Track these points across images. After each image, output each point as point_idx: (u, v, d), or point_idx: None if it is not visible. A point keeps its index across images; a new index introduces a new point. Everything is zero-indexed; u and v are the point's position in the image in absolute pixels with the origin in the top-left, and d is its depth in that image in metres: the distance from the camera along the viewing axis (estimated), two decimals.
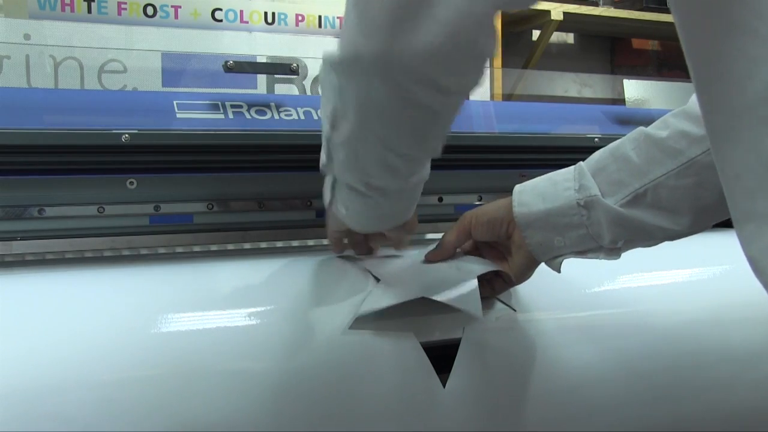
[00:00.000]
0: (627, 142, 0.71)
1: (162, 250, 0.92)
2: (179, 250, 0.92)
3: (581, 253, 0.73)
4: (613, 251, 0.72)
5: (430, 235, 1.00)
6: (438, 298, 0.70)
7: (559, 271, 0.75)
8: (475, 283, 0.72)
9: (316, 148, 0.86)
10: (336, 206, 0.70)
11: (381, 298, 0.70)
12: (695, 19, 0.52)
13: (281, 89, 1.43)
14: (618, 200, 0.69)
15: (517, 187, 0.75)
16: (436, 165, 0.95)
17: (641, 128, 0.72)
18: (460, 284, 0.72)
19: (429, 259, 0.77)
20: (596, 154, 0.73)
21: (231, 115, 0.84)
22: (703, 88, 0.53)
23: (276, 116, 0.87)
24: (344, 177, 0.66)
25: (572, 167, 0.73)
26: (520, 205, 0.73)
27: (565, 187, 0.72)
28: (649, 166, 0.69)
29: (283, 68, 0.98)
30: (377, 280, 0.74)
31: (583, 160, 0.73)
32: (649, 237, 0.71)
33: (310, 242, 0.97)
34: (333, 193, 0.70)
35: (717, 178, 0.55)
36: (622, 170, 0.70)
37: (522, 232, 0.73)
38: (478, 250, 0.78)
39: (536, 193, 0.73)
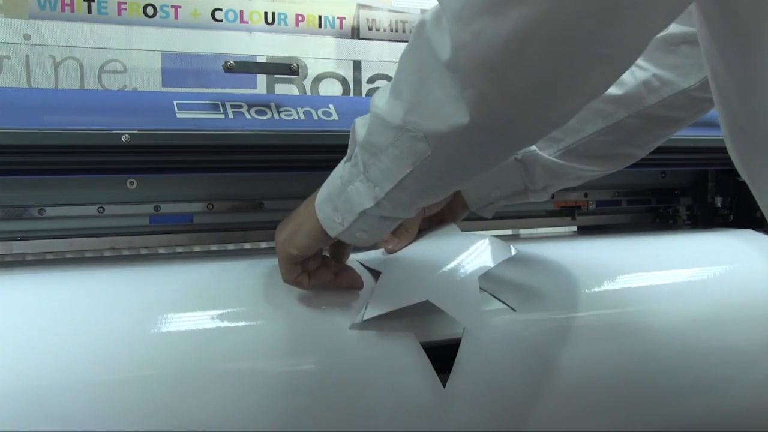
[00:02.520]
0: None
1: (162, 250, 0.92)
2: (179, 250, 0.92)
3: (511, 198, 0.81)
4: (539, 193, 0.81)
5: None
6: (440, 305, 0.70)
7: (490, 217, 0.83)
8: (476, 291, 0.72)
9: (316, 148, 0.87)
10: (351, 235, 0.65)
11: (383, 304, 0.70)
12: (729, 43, 0.52)
13: (281, 89, 1.42)
14: (551, 153, 0.78)
15: None
16: None
17: None
18: (461, 291, 0.72)
19: (391, 250, 0.78)
20: None
21: (231, 115, 0.84)
22: (730, 109, 0.55)
23: (276, 116, 0.87)
24: (395, 211, 0.62)
25: None
26: None
27: None
28: (582, 125, 0.77)
29: (283, 68, 0.98)
30: (375, 274, 0.74)
31: None
32: (576, 179, 0.81)
33: None
34: (350, 225, 0.64)
35: (641, 132, 0.73)
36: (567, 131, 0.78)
37: (464, 191, 0.80)
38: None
39: None
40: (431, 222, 0.82)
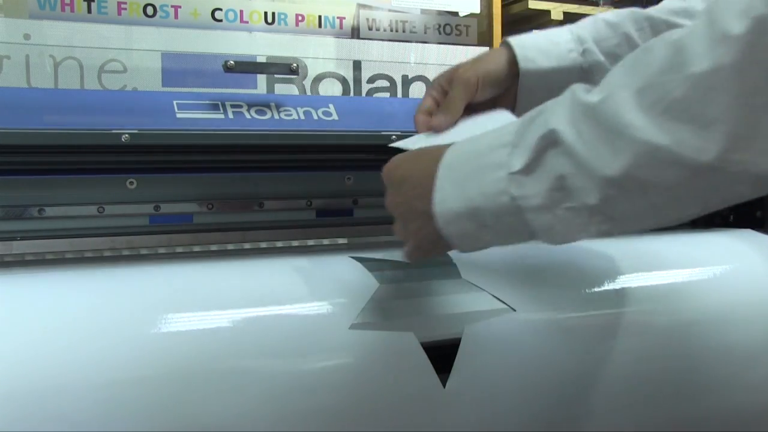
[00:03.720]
0: (628, 23, 0.75)
1: (162, 250, 0.92)
2: (179, 250, 0.92)
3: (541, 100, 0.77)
4: None
5: None
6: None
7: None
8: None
9: (316, 148, 0.87)
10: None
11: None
12: None
13: (281, 89, 1.43)
14: None
15: (514, 41, 0.74)
16: None
17: (641, 11, 0.75)
18: None
19: (435, 126, 0.73)
20: (588, 24, 0.76)
21: (231, 115, 0.84)
22: None
23: (276, 116, 0.87)
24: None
25: (564, 29, 0.76)
26: (526, 60, 0.73)
27: (568, 49, 0.74)
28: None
29: (283, 68, 0.98)
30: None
31: None
32: None
33: (310, 242, 0.97)
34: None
35: None
36: (623, 46, 0.74)
37: (522, 88, 0.73)
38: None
39: (539, 49, 0.74)
40: (481, 107, 0.77)
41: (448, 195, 0.55)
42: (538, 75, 0.74)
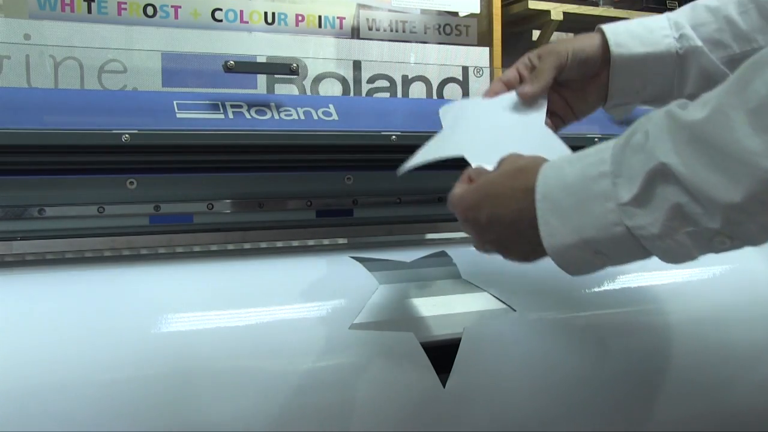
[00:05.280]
0: (731, 5, 0.72)
1: (162, 250, 0.92)
2: (179, 250, 0.92)
3: (650, 101, 0.75)
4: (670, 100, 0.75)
5: (429, 235, 1.00)
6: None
7: (620, 119, 0.77)
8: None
9: (316, 148, 0.87)
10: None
11: (425, 153, 0.67)
12: None
13: (281, 89, 1.43)
14: (716, 58, 0.72)
15: (607, 28, 0.73)
16: (435, 165, 0.95)
17: None
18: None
19: (523, 94, 0.73)
20: (687, 9, 0.74)
21: (231, 115, 0.84)
22: None
23: (276, 116, 0.87)
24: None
25: (662, 16, 0.74)
26: (618, 45, 0.72)
27: (664, 35, 0.72)
28: (755, 34, 0.71)
29: (283, 68, 0.98)
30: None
31: None
32: None
33: (310, 242, 0.97)
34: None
35: None
36: (724, 31, 0.72)
37: (613, 74, 0.72)
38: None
39: (632, 35, 0.72)
40: (571, 86, 0.77)
41: (556, 229, 0.55)
42: (632, 60, 0.72)
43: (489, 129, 0.72)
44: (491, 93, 0.76)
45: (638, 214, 0.51)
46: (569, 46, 0.74)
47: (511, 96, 0.75)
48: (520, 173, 0.59)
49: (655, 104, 0.75)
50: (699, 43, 0.72)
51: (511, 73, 0.76)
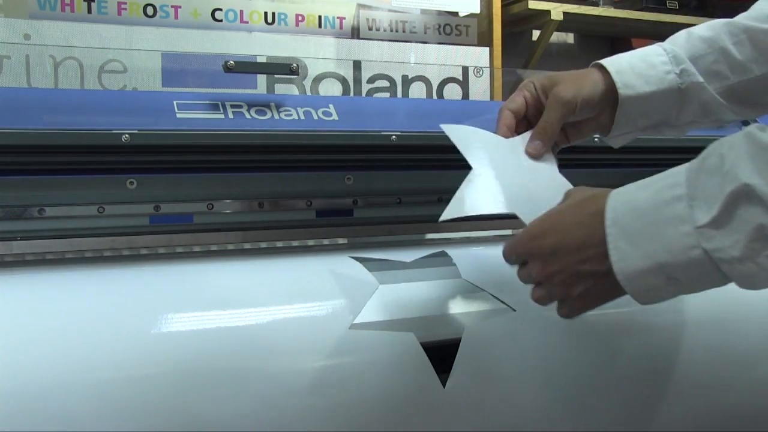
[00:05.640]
0: (724, 36, 0.73)
1: (162, 250, 0.92)
2: (179, 250, 0.92)
3: (647, 129, 0.76)
4: (676, 129, 0.76)
5: (429, 235, 1.00)
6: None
7: (617, 147, 0.77)
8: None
9: (316, 148, 0.87)
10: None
11: (462, 206, 0.66)
12: None
13: (281, 89, 1.43)
14: (714, 89, 0.73)
15: (610, 66, 0.73)
16: (436, 165, 0.95)
17: (737, 21, 0.73)
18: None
19: (532, 152, 0.72)
20: (682, 40, 0.75)
21: (231, 115, 0.84)
22: None
23: (276, 116, 0.87)
24: None
25: (657, 47, 0.74)
26: (625, 86, 0.72)
27: (666, 71, 0.73)
28: (751, 65, 0.72)
29: (283, 68, 0.98)
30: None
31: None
32: (716, 121, 0.75)
33: (310, 242, 0.97)
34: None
35: None
36: (720, 62, 0.73)
37: (620, 113, 0.73)
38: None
39: (636, 73, 0.73)
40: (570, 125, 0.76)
41: (628, 254, 0.55)
42: (638, 100, 0.73)
43: (518, 178, 0.72)
44: (503, 126, 0.74)
45: (717, 237, 0.51)
46: (578, 95, 0.72)
47: (525, 138, 0.74)
48: (588, 201, 0.59)
49: (652, 132, 0.77)
50: (700, 78, 0.73)
51: (518, 101, 0.75)
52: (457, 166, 0.98)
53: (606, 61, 0.74)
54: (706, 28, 0.75)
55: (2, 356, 0.60)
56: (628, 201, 0.56)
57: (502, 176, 0.70)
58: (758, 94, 0.74)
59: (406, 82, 1.83)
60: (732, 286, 0.82)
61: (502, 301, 0.76)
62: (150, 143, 0.79)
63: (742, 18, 0.74)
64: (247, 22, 2.04)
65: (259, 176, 0.87)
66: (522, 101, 0.75)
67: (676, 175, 0.55)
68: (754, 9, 0.75)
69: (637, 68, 0.74)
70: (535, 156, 0.72)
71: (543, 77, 0.74)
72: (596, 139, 0.98)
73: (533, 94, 0.75)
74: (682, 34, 0.76)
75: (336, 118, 0.89)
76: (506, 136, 0.73)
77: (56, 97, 0.86)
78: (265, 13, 2.06)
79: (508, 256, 0.64)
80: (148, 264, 0.82)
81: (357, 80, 1.70)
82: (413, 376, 0.69)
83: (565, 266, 0.59)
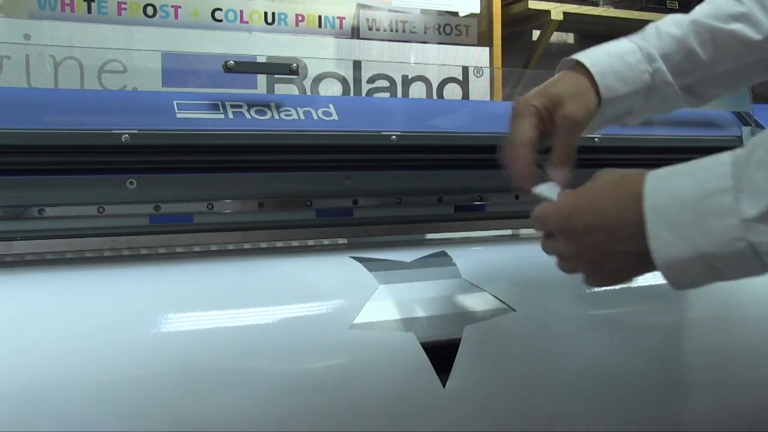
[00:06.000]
0: (692, 35, 0.76)
1: (162, 250, 0.92)
2: (179, 250, 0.92)
3: (615, 120, 0.78)
4: (636, 118, 0.78)
5: (430, 235, 1.00)
6: None
7: (592, 133, 0.82)
8: None
9: (316, 148, 0.87)
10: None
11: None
12: None
13: (281, 89, 1.43)
14: (678, 83, 0.76)
15: (592, 67, 0.72)
16: (436, 165, 0.95)
17: (702, 21, 0.76)
18: None
19: (563, 181, 0.67)
20: (653, 37, 0.76)
21: (231, 115, 0.84)
22: None
23: (276, 116, 0.87)
24: None
25: (630, 43, 0.75)
26: (607, 89, 0.72)
27: (641, 70, 0.74)
28: (712, 63, 0.75)
29: (283, 68, 0.98)
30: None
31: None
32: (670, 109, 0.80)
33: (310, 242, 0.97)
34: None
35: (756, 77, 0.66)
36: (686, 61, 0.75)
37: (599, 112, 0.73)
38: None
39: (616, 75, 0.73)
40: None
41: (669, 242, 0.55)
42: (616, 101, 0.73)
43: None
44: (522, 166, 0.68)
45: (763, 230, 0.51)
46: (587, 112, 0.71)
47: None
48: (624, 180, 0.59)
49: (614, 123, 0.79)
50: (670, 78, 0.75)
51: (529, 133, 0.68)
52: (457, 166, 0.98)
53: (587, 60, 0.73)
54: (674, 26, 0.76)
55: (2, 356, 0.60)
56: (668, 188, 0.56)
57: None
58: (711, 87, 0.78)
59: (406, 82, 1.82)
60: (731, 287, 0.82)
61: (502, 301, 0.76)
62: (150, 143, 0.79)
63: (704, 16, 0.76)
64: (247, 22, 2.04)
65: (259, 176, 0.87)
66: (532, 132, 0.69)
67: (721, 166, 0.54)
68: (713, 5, 0.77)
69: (616, 69, 0.73)
70: (567, 183, 0.68)
71: (540, 97, 0.70)
72: (596, 140, 0.99)
73: (540, 118, 0.70)
74: (651, 30, 0.77)
75: (336, 118, 0.89)
76: (528, 175, 0.67)
77: (56, 97, 0.86)
78: (265, 13, 2.06)
79: (537, 229, 0.64)
80: (148, 264, 0.82)
81: (357, 80, 1.70)
82: (413, 376, 0.69)
83: (597, 244, 0.59)
